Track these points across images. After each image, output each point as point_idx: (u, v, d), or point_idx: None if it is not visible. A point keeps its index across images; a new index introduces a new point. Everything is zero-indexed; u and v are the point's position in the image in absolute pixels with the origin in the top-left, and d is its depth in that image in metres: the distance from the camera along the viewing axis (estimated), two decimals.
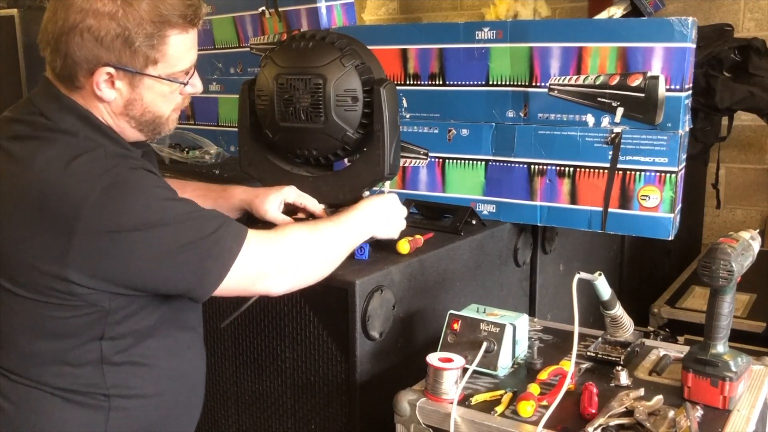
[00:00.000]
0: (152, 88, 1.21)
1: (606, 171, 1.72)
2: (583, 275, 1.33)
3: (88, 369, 1.18)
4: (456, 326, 1.40)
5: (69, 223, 1.08)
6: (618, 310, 1.45)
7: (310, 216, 1.57)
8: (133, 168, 1.15)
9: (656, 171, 1.68)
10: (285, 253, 1.27)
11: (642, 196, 1.70)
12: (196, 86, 1.29)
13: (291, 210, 1.58)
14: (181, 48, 1.20)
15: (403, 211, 1.54)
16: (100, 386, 1.19)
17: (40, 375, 1.17)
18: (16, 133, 1.17)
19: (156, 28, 1.15)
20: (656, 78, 1.65)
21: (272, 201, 1.53)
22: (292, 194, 1.56)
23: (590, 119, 1.74)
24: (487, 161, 1.88)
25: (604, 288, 1.40)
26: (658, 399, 1.25)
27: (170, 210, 1.15)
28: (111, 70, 1.16)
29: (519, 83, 1.81)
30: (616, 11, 2.36)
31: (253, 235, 1.22)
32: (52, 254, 1.09)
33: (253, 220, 1.54)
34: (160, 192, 1.16)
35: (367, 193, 1.60)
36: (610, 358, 1.43)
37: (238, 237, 1.20)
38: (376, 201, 1.49)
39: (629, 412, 1.22)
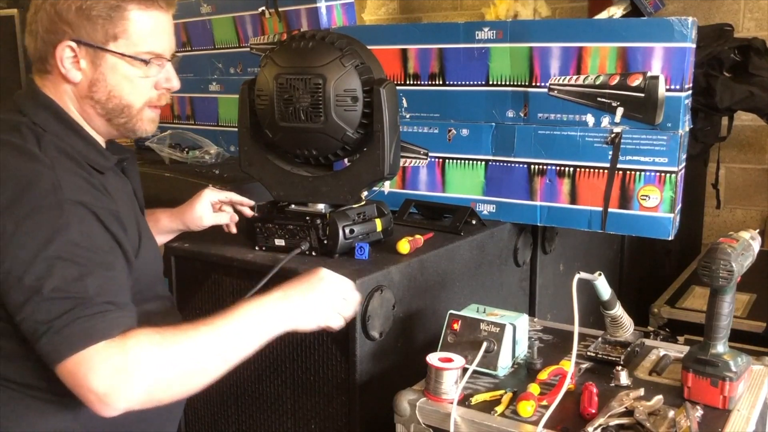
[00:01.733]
0: (115, 69, 1.19)
1: (606, 171, 1.72)
2: (583, 275, 1.33)
3: None
4: (456, 326, 1.40)
5: None
6: (618, 310, 1.45)
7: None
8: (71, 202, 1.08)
9: (656, 171, 1.68)
10: (128, 369, 1.03)
11: (642, 196, 1.70)
12: (171, 82, 1.26)
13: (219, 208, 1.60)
14: (143, 26, 1.19)
15: (336, 290, 1.25)
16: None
17: (5, 371, 1.14)
18: None
19: (116, 1, 1.16)
20: (656, 78, 1.65)
21: (201, 210, 1.54)
22: (213, 195, 1.58)
23: (590, 119, 1.74)
24: (487, 161, 1.88)
25: (604, 288, 1.40)
26: (658, 399, 1.25)
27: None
28: (72, 44, 1.15)
29: (519, 83, 1.81)
30: (616, 11, 2.37)
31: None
32: None
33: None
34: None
35: (365, 193, 1.61)
36: (610, 358, 1.43)
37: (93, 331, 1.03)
38: (295, 284, 1.23)
39: (629, 412, 1.22)
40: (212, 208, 1.57)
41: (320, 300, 1.22)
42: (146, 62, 1.20)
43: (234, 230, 1.62)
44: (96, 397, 1.01)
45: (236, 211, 1.62)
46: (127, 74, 1.20)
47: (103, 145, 1.26)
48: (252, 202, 1.62)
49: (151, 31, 1.20)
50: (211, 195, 1.57)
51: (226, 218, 1.60)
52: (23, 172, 1.08)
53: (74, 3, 1.15)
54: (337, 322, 1.24)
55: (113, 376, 1.02)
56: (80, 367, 1.01)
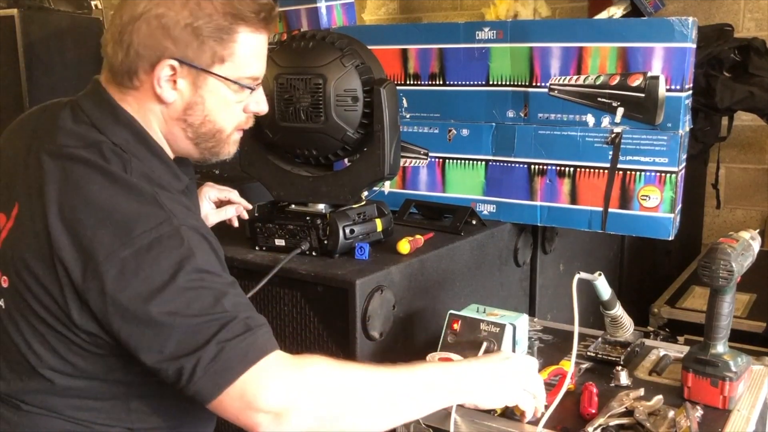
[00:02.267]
0: (216, 92, 1.11)
1: (606, 171, 1.72)
2: (583, 275, 1.33)
3: (111, 403, 1.09)
4: (456, 326, 1.40)
5: None
6: (618, 310, 1.45)
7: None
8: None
9: (656, 171, 1.68)
10: (311, 392, 0.98)
11: (642, 196, 1.70)
12: (260, 105, 1.19)
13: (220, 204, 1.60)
14: (250, 50, 1.11)
15: (531, 379, 1.20)
16: (124, 420, 1.10)
17: (62, 407, 1.08)
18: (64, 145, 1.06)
19: (227, 20, 1.07)
20: (656, 78, 1.65)
21: (205, 209, 1.53)
22: (213, 192, 1.56)
23: (590, 119, 1.74)
24: (487, 161, 1.88)
25: (604, 288, 1.40)
26: (658, 399, 1.25)
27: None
28: (175, 63, 1.06)
29: (519, 83, 1.81)
30: (616, 11, 2.37)
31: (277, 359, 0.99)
32: None
33: None
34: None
35: (365, 193, 1.61)
36: (610, 358, 1.43)
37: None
38: (497, 360, 1.19)
39: (629, 412, 1.22)
40: (214, 206, 1.58)
41: (508, 375, 1.17)
42: (250, 88, 1.15)
43: (236, 224, 1.61)
44: (268, 418, 0.94)
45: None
46: (226, 98, 1.13)
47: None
48: (250, 206, 1.62)
49: (256, 54, 1.13)
50: (211, 193, 1.57)
51: (232, 211, 1.58)
52: (126, 202, 1.00)
53: (184, 19, 1.05)
54: (527, 402, 1.18)
55: (290, 390, 0.95)
56: (249, 386, 0.94)
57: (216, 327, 0.95)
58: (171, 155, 1.17)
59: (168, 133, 1.14)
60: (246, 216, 1.61)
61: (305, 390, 0.97)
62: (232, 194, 1.60)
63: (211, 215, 1.56)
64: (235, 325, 0.97)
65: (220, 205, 1.60)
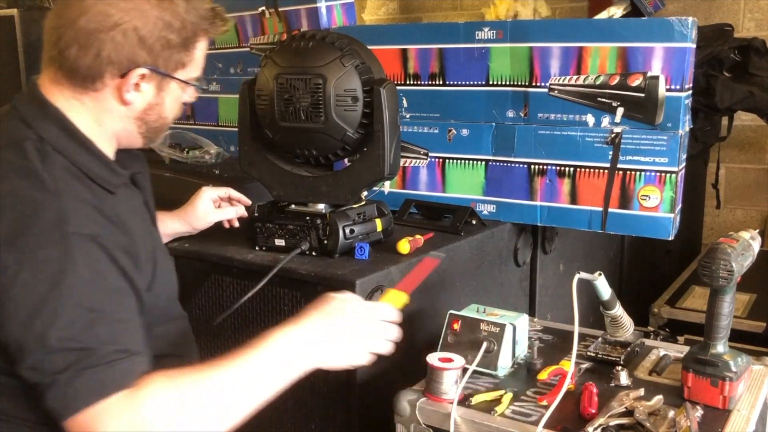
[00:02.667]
0: (174, 93, 1.18)
1: (606, 171, 1.72)
2: (583, 275, 1.33)
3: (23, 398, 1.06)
4: (456, 326, 1.40)
5: None
6: (618, 310, 1.45)
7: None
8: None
9: (656, 171, 1.68)
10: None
11: (642, 196, 1.70)
12: (193, 96, 1.26)
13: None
14: (202, 54, 1.19)
15: (371, 321, 1.14)
16: (29, 413, 1.07)
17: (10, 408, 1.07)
18: None
19: (192, 31, 1.14)
20: (656, 78, 1.65)
21: (204, 209, 1.54)
22: (212, 192, 1.58)
23: (590, 119, 1.74)
24: (487, 161, 1.88)
25: (604, 288, 1.40)
26: (658, 399, 1.25)
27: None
28: (146, 71, 1.11)
29: (519, 83, 1.81)
30: (616, 11, 2.37)
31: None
32: None
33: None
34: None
35: (365, 193, 1.61)
36: (610, 358, 1.43)
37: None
38: (323, 310, 1.12)
39: (629, 412, 1.22)
40: (213, 206, 1.58)
41: (345, 331, 1.11)
42: (203, 88, 1.23)
43: (237, 224, 1.62)
44: None
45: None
46: (179, 97, 1.20)
47: (112, 157, 1.18)
48: (249, 202, 1.62)
49: (204, 56, 1.21)
50: (210, 192, 1.58)
51: (232, 212, 1.60)
52: (25, 200, 1.00)
53: (159, 31, 1.09)
54: (376, 349, 1.14)
55: (133, 425, 0.95)
56: (91, 423, 0.94)
57: (76, 356, 0.95)
58: (111, 150, 1.18)
59: (122, 129, 1.17)
60: (244, 214, 1.61)
61: (144, 427, 0.96)
62: (230, 191, 1.61)
63: (210, 215, 1.57)
64: (97, 356, 0.96)
65: (220, 204, 1.60)
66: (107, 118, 1.14)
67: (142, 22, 1.08)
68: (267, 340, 1.07)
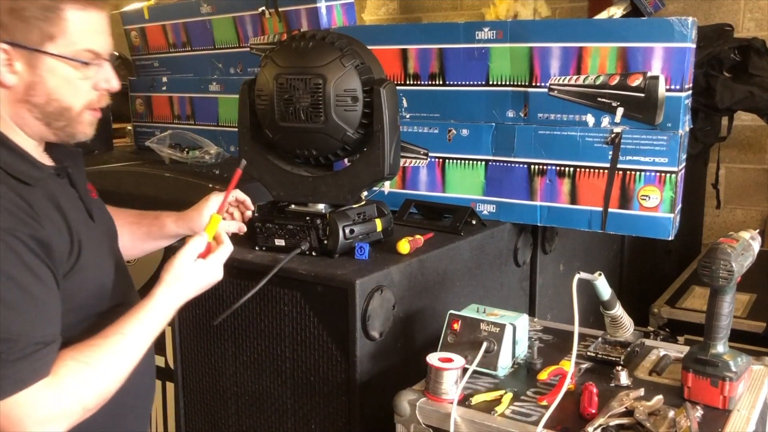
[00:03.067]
0: (55, 71, 1.13)
1: (606, 171, 1.72)
2: (583, 275, 1.33)
3: None
4: (456, 326, 1.40)
5: None
6: (618, 310, 1.45)
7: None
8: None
9: (656, 171, 1.68)
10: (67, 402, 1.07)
11: (642, 196, 1.70)
12: (111, 82, 1.20)
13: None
14: (82, 26, 1.14)
15: (209, 269, 1.25)
16: None
17: None
18: None
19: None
20: (656, 78, 1.65)
21: (208, 215, 1.48)
22: (220, 199, 1.52)
23: (590, 119, 1.74)
24: (487, 161, 1.88)
25: (604, 288, 1.40)
26: (658, 399, 1.25)
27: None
28: (6, 47, 1.09)
29: (519, 83, 1.81)
30: (616, 11, 2.36)
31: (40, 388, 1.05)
32: None
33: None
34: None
35: (365, 193, 1.61)
36: (610, 358, 1.43)
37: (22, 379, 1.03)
38: (175, 272, 1.22)
39: (629, 412, 1.22)
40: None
41: (196, 276, 1.23)
42: (86, 63, 1.15)
43: (245, 230, 1.59)
44: None
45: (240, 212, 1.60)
46: (67, 76, 1.15)
47: (37, 152, 1.19)
48: (252, 207, 1.60)
49: (89, 30, 1.15)
50: (218, 200, 1.53)
51: (234, 227, 1.56)
52: None
53: (6, 3, 1.08)
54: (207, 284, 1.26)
55: (50, 419, 1.04)
56: (12, 413, 1.01)
57: None
58: (32, 145, 1.18)
59: (15, 116, 1.15)
60: (248, 216, 1.60)
61: (64, 411, 1.06)
62: (237, 193, 1.57)
63: None
64: (14, 349, 1.02)
65: (226, 210, 1.56)
66: (1, 107, 1.14)
67: None
68: (147, 311, 1.18)
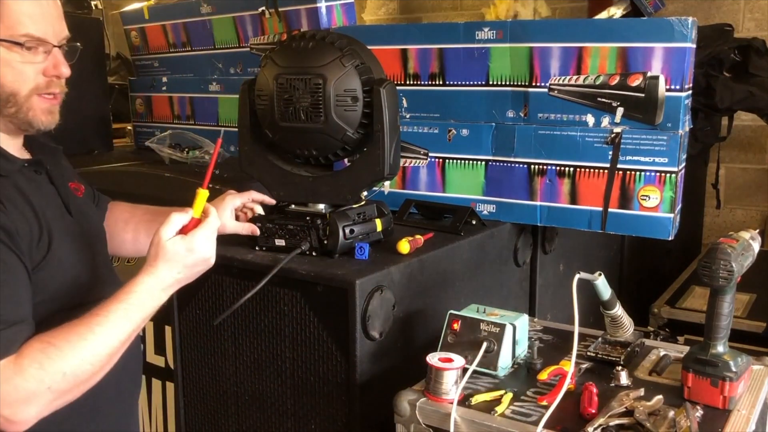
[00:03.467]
0: None
1: (606, 171, 1.72)
2: (583, 275, 1.33)
3: None
4: (456, 326, 1.40)
5: None
6: (618, 310, 1.45)
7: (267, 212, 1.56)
8: None
9: (656, 171, 1.68)
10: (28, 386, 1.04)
11: (642, 196, 1.70)
12: (59, 68, 1.20)
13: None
14: (20, 9, 1.13)
15: (202, 250, 1.19)
16: None
17: None
18: None
19: None
20: (656, 78, 1.65)
21: (224, 217, 1.49)
22: (237, 200, 1.54)
23: (590, 119, 1.74)
24: (487, 161, 1.88)
25: (604, 288, 1.40)
26: (658, 399, 1.25)
27: None
28: None
29: (519, 83, 1.81)
30: (616, 11, 2.37)
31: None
32: None
33: None
34: None
35: (365, 193, 1.61)
36: (610, 358, 1.43)
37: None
38: (165, 257, 1.17)
39: (629, 412, 1.22)
40: (234, 216, 1.55)
41: (191, 257, 1.18)
42: (24, 46, 1.14)
43: (257, 232, 1.58)
44: (1, 418, 1.01)
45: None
46: (7, 60, 1.14)
47: (13, 146, 1.21)
48: (273, 201, 1.61)
49: (30, 14, 1.15)
50: (234, 201, 1.54)
51: (247, 229, 1.56)
52: None
53: None
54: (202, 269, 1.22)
55: (16, 399, 1.02)
56: None
57: None
58: (4, 138, 1.19)
59: None
60: (260, 210, 1.60)
61: (31, 391, 1.03)
62: (253, 194, 1.57)
63: (228, 226, 1.52)
64: None
65: (241, 208, 1.57)
66: None
67: None
68: (128, 293, 1.13)
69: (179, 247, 1.16)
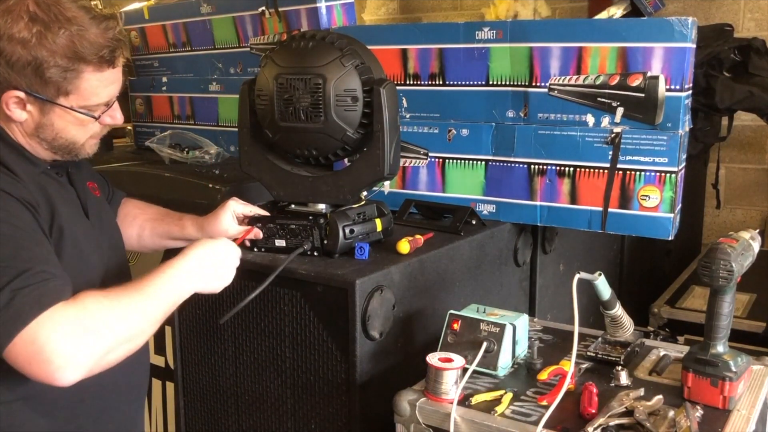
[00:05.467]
0: (63, 117, 1.22)
1: (606, 171, 1.72)
2: (583, 275, 1.33)
3: None
4: (456, 326, 1.40)
5: None
6: (618, 310, 1.45)
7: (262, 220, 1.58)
8: None
9: (656, 171, 1.68)
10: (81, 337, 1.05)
11: (642, 196, 1.70)
12: (115, 118, 1.29)
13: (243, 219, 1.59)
14: (96, 84, 1.22)
15: (234, 258, 1.34)
16: None
17: None
18: None
19: (70, 62, 1.18)
20: (656, 78, 1.65)
21: (227, 222, 1.52)
22: (239, 206, 1.56)
23: (590, 119, 1.74)
24: (487, 161, 1.88)
25: (604, 288, 1.40)
26: (658, 399, 1.25)
27: None
28: (21, 94, 1.18)
29: (519, 83, 1.81)
30: (616, 11, 2.37)
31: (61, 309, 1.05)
32: None
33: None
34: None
35: (365, 193, 1.61)
36: (610, 358, 1.43)
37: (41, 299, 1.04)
38: (200, 250, 1.28)
39: (629, 412, 1.22)
40: (236, 221, 1.55)
41: (219, 267, 1.30)
42: (93, 117, 1.25)
43: (260, 235, 1.58)
44: (58, 364, 1.00)
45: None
46: (76, 120, 1.24)
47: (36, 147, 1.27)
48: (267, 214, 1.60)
49: (104, 86, 1.23)
50: (236, 206, 1.55)
51: (249, 234, 1.56)
52: None
53: (25, 58, 1.16)
54: (220, 287, 1.31)
55: (80, 335, 1.03)
56: (40, 333, 1.00)
57: (10, 276, 1.02)
58: (42, 152, 1.27)
59: (27, 144, 1.25)
60: (261, 235, 1.59)
61: (95, 329, 1.05)
62: (257, 209, 1.58)
63: (231, 230, 1.53)
64: (29, 275, 1.04)
65: (243, 219, 1.57)
66: (15, 127, 1.23)
67: (9, 47, 1.15)
68: (164, 272, 1.20)
69: (219, 246, 1.30)
